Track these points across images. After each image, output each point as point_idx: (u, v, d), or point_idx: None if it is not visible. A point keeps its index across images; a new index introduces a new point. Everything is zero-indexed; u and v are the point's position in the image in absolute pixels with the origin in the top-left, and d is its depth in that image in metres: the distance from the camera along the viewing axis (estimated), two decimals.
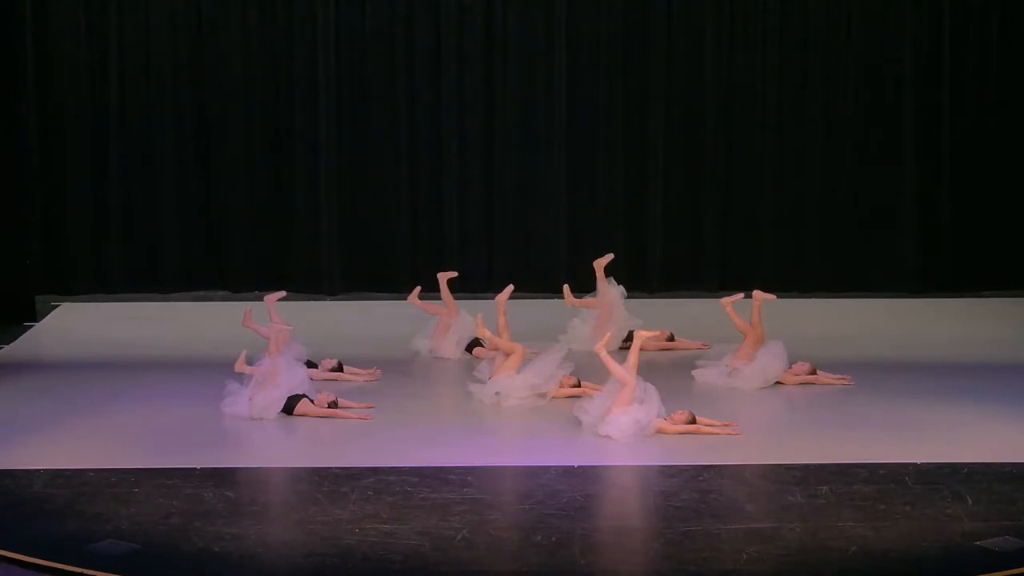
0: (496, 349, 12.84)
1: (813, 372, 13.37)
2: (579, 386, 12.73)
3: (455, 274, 14.36)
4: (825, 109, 16.41)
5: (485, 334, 12.66)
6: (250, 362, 12.37)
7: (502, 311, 12.94)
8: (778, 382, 13.27)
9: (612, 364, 11.65)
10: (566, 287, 13.95)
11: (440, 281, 14.27)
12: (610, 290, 14.24)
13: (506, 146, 16.71)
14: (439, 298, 14.36)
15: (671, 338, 14.53)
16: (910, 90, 16.25)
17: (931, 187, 16.46)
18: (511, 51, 16.43)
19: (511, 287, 13.29)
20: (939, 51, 16.22)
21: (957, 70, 16.30)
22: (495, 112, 16.63)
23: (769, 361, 13.14)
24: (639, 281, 16.33)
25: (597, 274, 14.22)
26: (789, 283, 16.42)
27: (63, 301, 16.51)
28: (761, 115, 16.44)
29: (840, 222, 16.64)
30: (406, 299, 14.59)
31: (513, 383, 12.51)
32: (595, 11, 16.32)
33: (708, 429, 11.78)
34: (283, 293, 13.87)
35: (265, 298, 13.61)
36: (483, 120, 16.63)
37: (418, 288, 14.43)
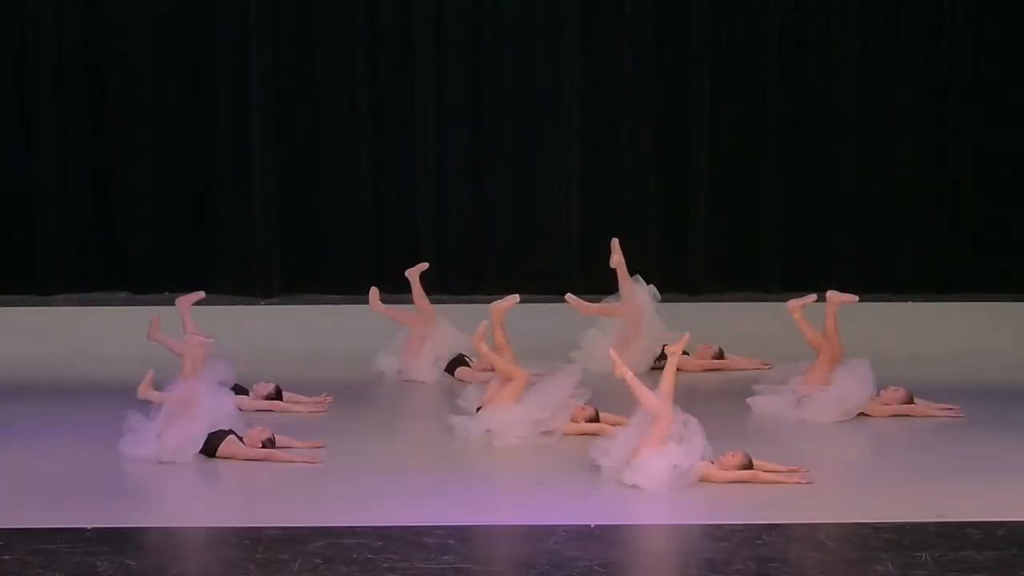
0: (490, 371, 12.38)
1: (909, 400, 12.60)
2: (597, 419, 12.08)
3: (425, 266, 13.97)
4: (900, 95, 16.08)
5: (482, 349, 12.11)
6: (158, 387, 11.52)
7: (499, 324, 12.30)
8: (862, 413, 12.55)
9: (641, 390, 10.94)
10: (571, 296, 13.59)
11: (411, 280, 13.84)
12: (637, 292, 13.86)
13: (500, 107, 16.11)
14: (409, 302, 14.02)
15: (719, 355, 14.08)
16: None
17: None
18: None
19: (516, 298, 12.58)
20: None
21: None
22: (484, 60, 16.04)
23: (850, 386, 12.46)
24: (677, 280, 15.83)
25: (619, 273, 13.83)
26: (874, 283, 15.56)
27: None
28: (839, 83, 16.03)
29: (941, 208, 16.15)
30: (367, 304, 14.04)
31: (510, 417, 11.87)
32: None
33: (769, 476, 10.94)
34: (201, 295, 13.35)
35: (178, 301, 13.13)
36: (469, 70, 16.04)
37: (374, 291, 13.90)
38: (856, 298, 12.82)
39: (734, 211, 16.10)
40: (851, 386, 12.45)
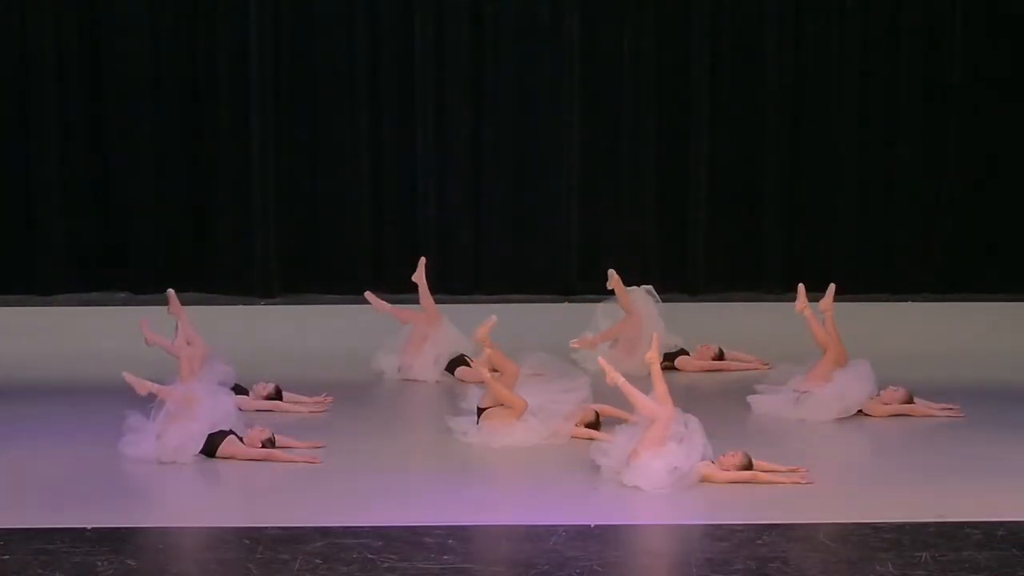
0: (492, 371, 12.16)
1: (909, 400, 12.56)
2: (598, 423, 12.00)
3: (423, 260, 13.80)
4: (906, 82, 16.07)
5: (485, 376, 11.95)
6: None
7: (489, 347, 12.16)
8: (861, 412, 12.50)
9: (635, 395, 10.91)
10: (575, 342, 13.19)
11: (419, 283, 13.73)
12: (637, 299, 13.71)
13: (499, 105, 16.04)
14: (410, 302, 13.98)
15: (719, 355, 13.90)
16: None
17: None
18: None
19: (493, 320, 12.22)
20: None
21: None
22: (485, 58, 15.96)
23: (850, 383, 12.42)
24: (677, 280, 15.81)
25: (617, 291, 13.74)
26: (874, 283, 15.78)
27: None
28: (839, 83, 15.91)
29: (941, 208, 16.09)
30: (369, 306, 14.01)
31: (513, 435, 11.79)
32: None
33: (768, 476, 10.86)
34: (171, 291, 13.08)
35: (168, 310, 12.91)
36: (469, 69, 15.93)
37: (369, 294, 13.89)
38: (832, 286, 12.66)
39: (734, 211, 16.02)
40: (851, 383, 12.39)
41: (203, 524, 10.33)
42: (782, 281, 15.78)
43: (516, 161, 16.08)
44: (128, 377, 11.39)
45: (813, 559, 9.37)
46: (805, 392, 12.40)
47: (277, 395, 12.75)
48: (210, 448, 11.36)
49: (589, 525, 9.91)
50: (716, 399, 13.03)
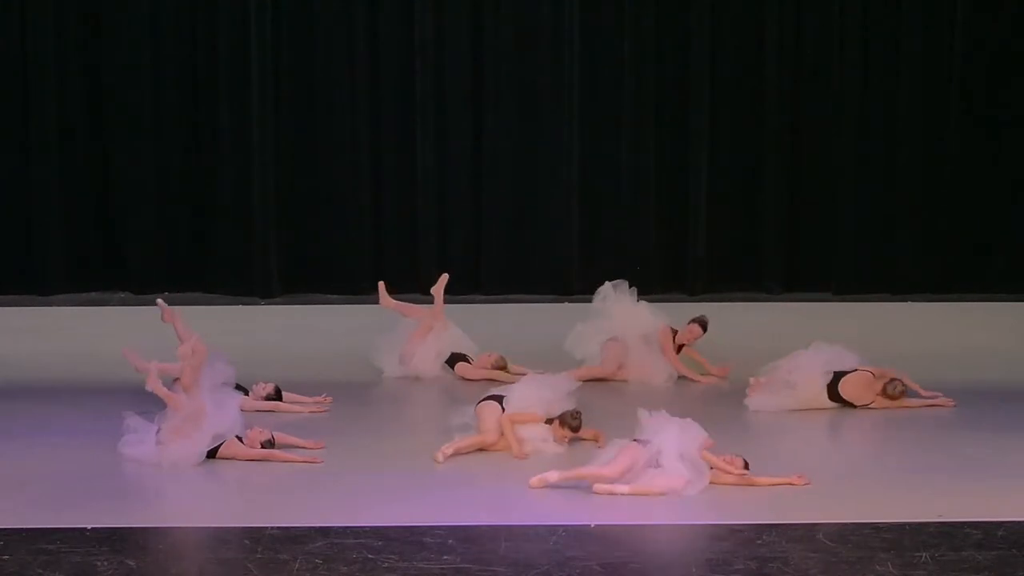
0: (492, 370, 12.58)
1: (903, 390, 12.70)
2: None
3: (446, 277, 13.74)
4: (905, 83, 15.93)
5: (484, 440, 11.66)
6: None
7: (509, 431, 11.73)
8: (851, 398, 12.57)
9: (593, 473, 10.66)
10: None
11: (435, 296, 13.67)
12: (640, 314, 13.64)
13: (498, 103, 15.93)
14: (409, 301, 13.95)
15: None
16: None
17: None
18: None
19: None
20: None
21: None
22: (485, 60, 15.86)
23: (833, 349, 12.53)
24: (677, 280, 15.79)
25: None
26: (874, 283, 15.75)
27: None
28: (839, 83, 15.83)
29: (941, 208, 15.95)
30: (367, 304, 14.10)
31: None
32: None
33: (767, 480, 10.80)
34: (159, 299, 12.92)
35: (163, 316, 12.63)
36: (469, 69, 15.84)
37: (382, 285, 13.65)
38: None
39: (734, 211, 15.94)
40: (834, 349, 12.46)
41: (203, 524, 10.29)
42: (782, 281, 15.65)
43: (516, 160, 15.99)
44: (128, 354, 11.37)
45: (813, 559, 9.34)
46: (793, 368, 12.40)
47: (277, 395, 12.68)
48: (210, 449, 11.28)
49: (589, 525, 9.89)
50: (714, 398, 13.03)
